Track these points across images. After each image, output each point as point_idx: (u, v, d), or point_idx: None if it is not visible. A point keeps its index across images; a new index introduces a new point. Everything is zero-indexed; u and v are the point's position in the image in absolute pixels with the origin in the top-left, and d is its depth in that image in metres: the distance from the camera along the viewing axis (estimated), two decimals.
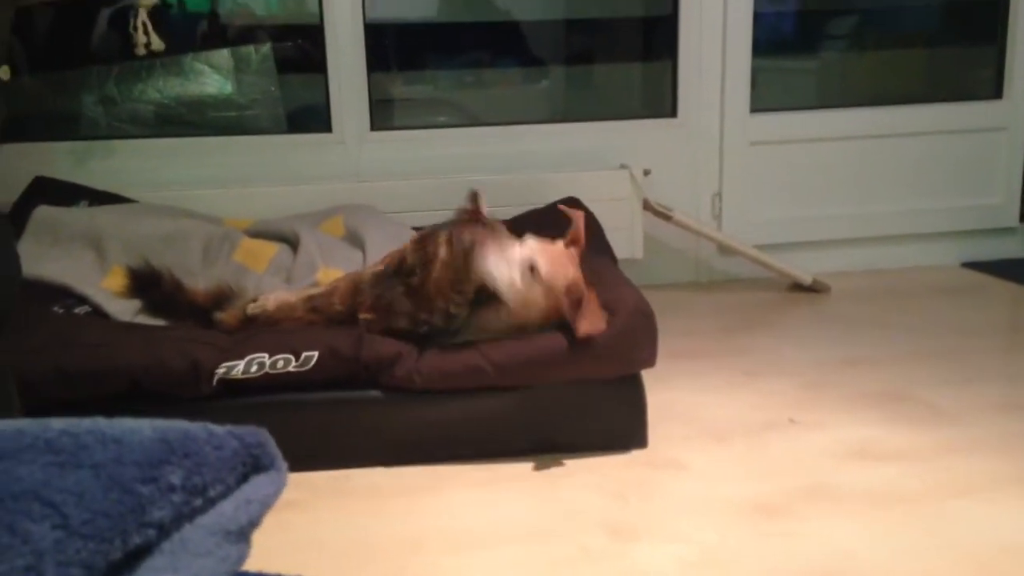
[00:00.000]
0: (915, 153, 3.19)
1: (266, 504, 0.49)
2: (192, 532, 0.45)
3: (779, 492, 1.67)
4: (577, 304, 1.76)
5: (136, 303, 2.10)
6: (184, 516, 0.46)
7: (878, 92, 3.47)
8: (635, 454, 1.85)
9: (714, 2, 3.00)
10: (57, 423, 0.47)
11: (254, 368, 1.73)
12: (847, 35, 3.57)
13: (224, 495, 0.48)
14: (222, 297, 2.09)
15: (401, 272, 1.86)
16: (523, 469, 1.78)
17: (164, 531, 0.45)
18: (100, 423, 0.48)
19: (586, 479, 1.74)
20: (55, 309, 2.06)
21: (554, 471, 1.78)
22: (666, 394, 2.08)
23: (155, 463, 0.45)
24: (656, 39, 3.34)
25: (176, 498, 0.45)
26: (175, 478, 0.46)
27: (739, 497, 1.66)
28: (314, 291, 2.05)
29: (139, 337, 1.86)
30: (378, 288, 1.88)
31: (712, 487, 1.70)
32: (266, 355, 1.75)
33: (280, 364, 1.74)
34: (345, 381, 1.78)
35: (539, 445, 1.83)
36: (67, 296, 2.13)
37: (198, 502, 0.47)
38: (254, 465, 0.50)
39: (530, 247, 1.80)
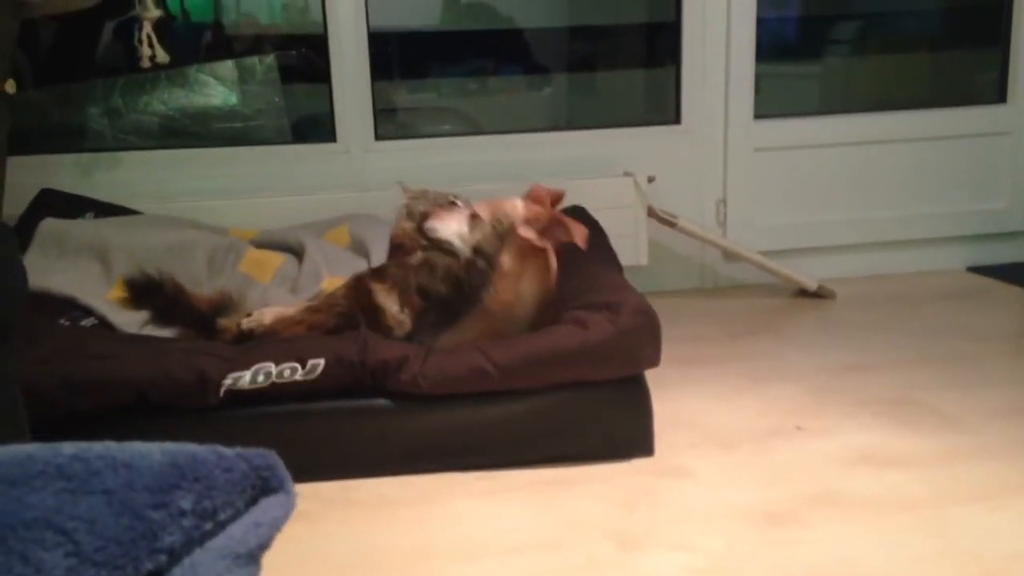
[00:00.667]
0: (919, 158, 3.19)
1: (275, 527, 0.49)
2: (202, 556, 0.46)
3: (786, 499, 1.67)
4: (549, 229, 1.85)
5: (143, 315, 2.10)
6: (194, 540, 0.46)
7: (882, 97, 3.47)
8: (641, 462, 1.84)
9: (717, 8, 3.00)
10: (68, 448, 0.48)
11: (261, 378, 1.74)
12: (850, 40, 3.57)
13: (234, 518, 0.48)
14: (224, 305, 2.10)
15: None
16: (529, 477, 1.78)
17: (175, 556, 0.45)
18: (111, 447, 0.48)
19: (592, 487, 1.74)
20: (61, 321, 2.06)
21: (560, 479, 1.78)
22: (671, 401, 2.09)
23: (166, 488, 0.46)
24: (659, 45, 3.34)
25: (187, 523, 0.45)
26: (185, 503, 0.46)
27: (746, 504, 1.65)
28: (313, 303, 2.06)
29: (145, 349, 1.86)
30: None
31: (719, 495, 1.70)
32: (272, 364, 1.75)
33: (287, 373, 1.74)
34: (351, 388, 1.78)
35: (545, 453, 1.83)
36: (73, 308, 2.14)
37: (208, 526, 0.47)
38: (263, 487, 0.51)
39: (469, 202, 1.99)
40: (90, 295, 2.17)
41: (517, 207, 1.93)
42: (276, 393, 1.75)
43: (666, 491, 1.73)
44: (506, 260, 1.89)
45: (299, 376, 1.75)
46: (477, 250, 1.90)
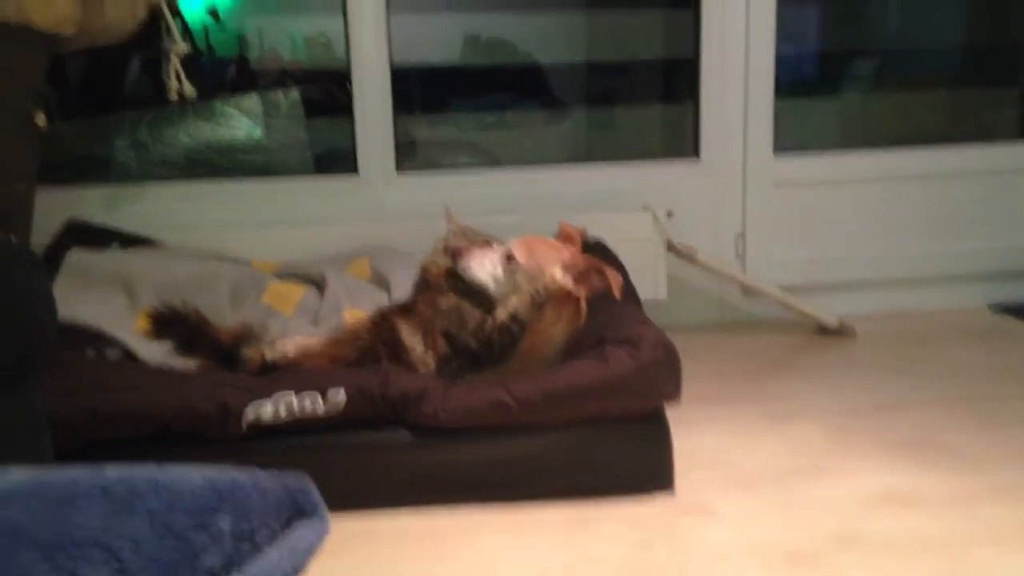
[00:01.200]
0: (940, 195, 3.19)
1: (309, 552, 0.50)
2: None
3: (808, 539, 1.66)
4: (584, 275, 1.84)
5: (167, 345, 2.12)
6: (233, 563, 0.47)
7: (901, 134, 3.48)
8: (662, 499, 1.84)
9: (736, 44, 3.02)
10: (111, 471, 0.49)
11: (283, 411, 1.75)
12: (869, 76, 3.59)
13: (270, 540, 0.49)
14: (246, 336, 2.11)
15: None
16: (550, 513, 1.78)
17: None
18: (153, 471, 0.49)
19: (613, 525, 1.73)
20: (87, 352, 2.09)
21: (581, 516, 1.77)
22: (692, 438, 2.07)
23: (206, 510, 0.47)
24: (677, 81, 3.37)
25: (226, 544, 0.46)
26: (225, 524, 0.47)
27: (768, 544, 1.64)
28: (336, 335, 2.08)
29: (168, 381, 1.88)
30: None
31: (741, 534, 1.69)
32: (293, 395, 1.76)
33: (308, 404, 1.75)
34: (372, 420, 1.79)
35: (565, 488, 1.83)
36: (99, 339, 2.16)
37: (246, 547, 0.48)
38: (298, 510, 0.52)
39: (507, 243, 1.94)
40: (116, 326, 2.19)
41: (556, 271, 1.89)
42: (297, 426, 1.76)
43: (687, 529, 1.72)
44: (542, 315, 1.88)
45: (320, 407, 1.76)
46: (514, 317, 1.86)
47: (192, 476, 0.49)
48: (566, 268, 1.88)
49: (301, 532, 0.51)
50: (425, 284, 1.98)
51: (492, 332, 1.86)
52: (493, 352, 1.87)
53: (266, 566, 0.48)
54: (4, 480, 0.48)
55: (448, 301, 1.92)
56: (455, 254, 1.95)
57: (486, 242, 2.02)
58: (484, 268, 1.91)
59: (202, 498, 0.48)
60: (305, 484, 0.53)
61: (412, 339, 1.92)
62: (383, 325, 1.97)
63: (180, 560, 0.44)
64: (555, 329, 1.91)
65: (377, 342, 1.95)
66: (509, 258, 1.91)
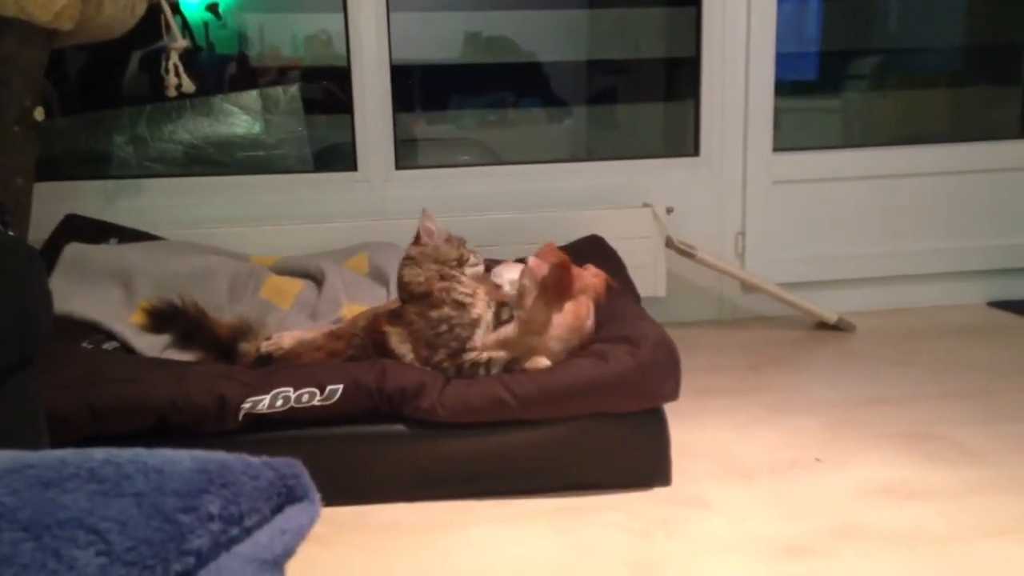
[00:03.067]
0: (940, 193, 3.19)
1: (300, 534, 0.50)
2: (229, 561, 0.46)
3: (806, 531, 1.66)
4: (561, 279, 1.88)
5: (164, 339, 2.12)
6: (222, 545, 0.47)
7: (901, 132, 3.47)
8: (659, 491, 1.84)
9: (737, 42, 3.02)
10: (99, 453, 0.48)
11: (279, 403, 1.75)
12: (870, 75, 3.58)
13: (260, 524, 0.49)
14: (244, 331, 2.11)
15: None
16: (547, 505, 1.78)
17: (202, 560, 0.45)
18: (141, 453, 0.49)
19: (610, 516, 1.73)
20: (84, 345, 2.09)
21: (578, 508, 1.77)
22: (689, 431, 2.08)
23: (195, 493, 0.46)
24: (678, 79, 3.37)
25: (214, 527, 0.46)
26: (214, 507, 0.47)
27: (765, 536, 1.64)
28: (333, 327, 2.08)
29: (166, 373, 1.88)
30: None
31: (738, 526, 1.69)
32: (291, 389, 1.76)
33: (305, 398, 1.75)
34: (368, 414, 1.79)
35: (562, 481, 1.83)
36: (96, 332, 2.16)
37: (235, 531, 0.47)
38: (288, 496, 0.51)
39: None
40: (113, 319, 2.19)
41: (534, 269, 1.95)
42: (294, 417, 1.76)
43: (684, 521, 1.72)
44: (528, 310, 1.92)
45: (317, 401, 1.76)
46: (487, 363, 1.89)
47: (181, 459, 0.49)
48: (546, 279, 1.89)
49: (291, 515, 0.51)
50: (411, 297, 1.96)
51: (464, 364, 1.89)
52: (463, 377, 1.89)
53: (256, 547, 0.47)
54: None
55: (439, 313, 1.92)
56: (457, 262, 1.98)
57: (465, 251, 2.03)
58: (512, 276, 1.98)
59: (191, 481, 0.47)
60: (296, 469, 0.53)
61: (401, 347, 1.92)
62: (373, 329, 1.97)
63: (167, 541, 0.44)
64: (542, 315, 1.91)
65: (369, 343, 1.96)
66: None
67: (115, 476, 0.46)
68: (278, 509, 0.51)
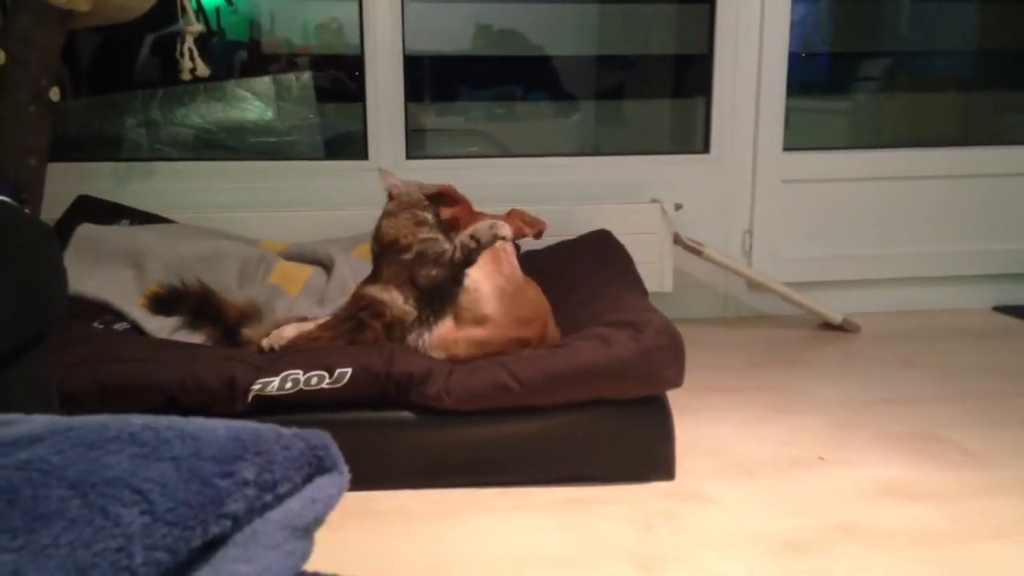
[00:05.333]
0: (947, 195, 3.20)
1: (329, 504, 0.51)
2: (262, 526, 0.47)
3: (807, 528, 1.67)
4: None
5: (174, 320, 2.14)
6: (255, 510, 0.48)
7: (911, 135, 3.48)
8: (662, 485, 1.85)
9: (750, 40, 3.03)
10: (138, 419, 0.50)
11: (288, 385, 1.76)
12: (881, 77, 3.59)
13: (291, 493, 0.50)
14: (251, 314, 2.12)
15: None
16: (550, 496, 1.79)
17: (238, 523, 0.47)
18: (177, 421, 0.50)
19: (613, 509, 1.74)
20: (95, 325, 2.10)
21: (581, 499, 1.78)
22: (693, 427, 2.09)
23: (230, 459, 0.48)
24: (688, 76, 3.37)
25: (249, 492, 0.47)
26: (248, 473, 0.48)
27: (767, 532, 1.65)
28: (325, 320, 2.09)
29: (176, 354, 1.89)
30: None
31: (740, 521, 1.70)
32: (300, 372, 1.78)
33: (314, 381, 1.77)
34: (376, 399, 1.80)
35: (566, 472, 1.84)
36: (107, 312, 2.17)
37: (268, 498, 0.49)
38: (318, 466, 0.53)
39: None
40: (123, 300, 2.21)
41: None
42: (303, 400, 1.77)
43: (687, 515, 1.73)
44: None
45: (326, 384, 1.77)
46: (472, 235, 1.96)
47: (216, 427, 0.50)
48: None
49: (321, 485, 0.52)
50: (381, 248, 2.03)
51: (454, 252, 1.94)
52: (456, 275, 1.95)
53: (288, 515, 0.49)
54: (29, 424, 0.49)
55: (410, 253, 1.98)
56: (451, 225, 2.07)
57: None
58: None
59: (227, 447, 0.48)
60: (325, 441, 0.54)
61: (388, 295, 1.95)
62: (357, 296, 2.01)
63: (206, 504, 0.45)
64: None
65: (357, 311, 1.97)
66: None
67: (154, 440, 0.47)
68: (308, 479, 0.52)
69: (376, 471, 1.82)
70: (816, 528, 1.67)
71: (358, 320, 1.97)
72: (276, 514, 0.49)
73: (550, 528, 1.68)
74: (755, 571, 1.52)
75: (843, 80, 3.57)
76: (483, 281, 1.96)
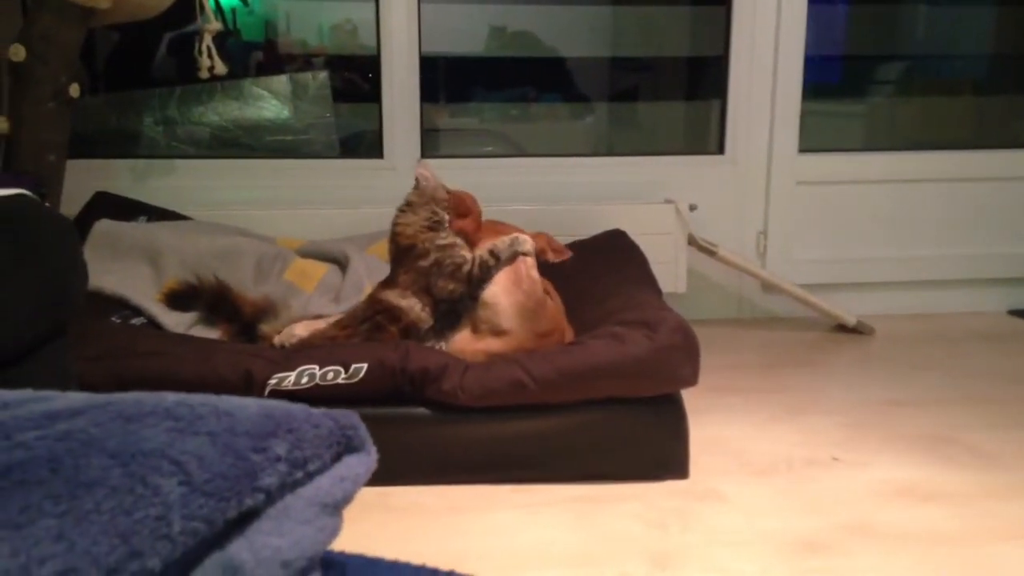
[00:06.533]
0: (962, 199, 3.19)
1: (357, 483, 0.52)
2: (294, 501, 0.48)
3: (821, 528, 1.67)
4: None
5: (191, 316, 2.15)
6: (287, 486, 0.49)
7: (926, 138, 3.47)
8: (676, 483, 1.85)
9: (766, 42, 3.03)
10: (171, 396, 0.51)
11: (304, 380, 1.77)
12: (896, 80, 3.58)
13: (321, 470, 0.51)
14: (267, 310, 2.14)
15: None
16: (565, 493, 1.80)
17: (270, 498, 0.48)
18: (210, 398, 0.51)
19: (627, 506, 1.75)
20: (113, 320, 2.12)
21: (595, 496, 1.79)
22: (707, 427, 2.10)
23: (263, 435, 0.48)
24: (703, 79, 3.38)
25: (281, 468, 0.48)
26: (281, 450, 0.49)
27: (781, 531, 1.66)
28: (340, 319, 2.10)
29: (193, 348, 1.91)
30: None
31: (753, 520, 1.70)
32: (316, 367, 1.79)
33: (330, 376, 1.78)
34: (391, 396, 1.81)
35: (581, 470, 1.85)
36: (124, 307, 2.19)
37: (299, 474, 0.49)
38: (347, 445, 0.53)
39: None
40: (140, 295, 2.22)
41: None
42: (319, 395, 1.78)
43: (700, 514, 1.73)
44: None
45: (342, 379, 1.79)
46: (491, 251, 1.99)
47: (248, 404, 0.51)
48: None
49: (350, 464, 0.53)
50: (398, 251, 2.02)
51: (472, 267, 1.96)
52: (472, 290, 1.97)
53: (318, 492, 0.49)
54: (67, 399, 0.50)
55: (428, 260, 1.98)
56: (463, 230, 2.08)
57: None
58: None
59: (259, 424, 0.49)
60: (354, 420, 0.55)
61: (405, 302, 1.96)
62: (374, 299, 2.01)
63: (241, 477, 0.46)
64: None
65: (374, 314, 1.98)
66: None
67: (189, 415, 0.48)
68: (337, 458, 0.53)
69: (391, 467, 1.80)
70: (829, 528, 1.67)
71: (375, 323, 1.97)
72: (307, 491, 0.49)
73: (564, 525, 1.68)
74: (768, 570, 1.53)
75: (857, 83, 3.57)
76: (501, 296, 1.96)
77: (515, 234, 2.02)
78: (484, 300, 1.96)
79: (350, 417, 0.55)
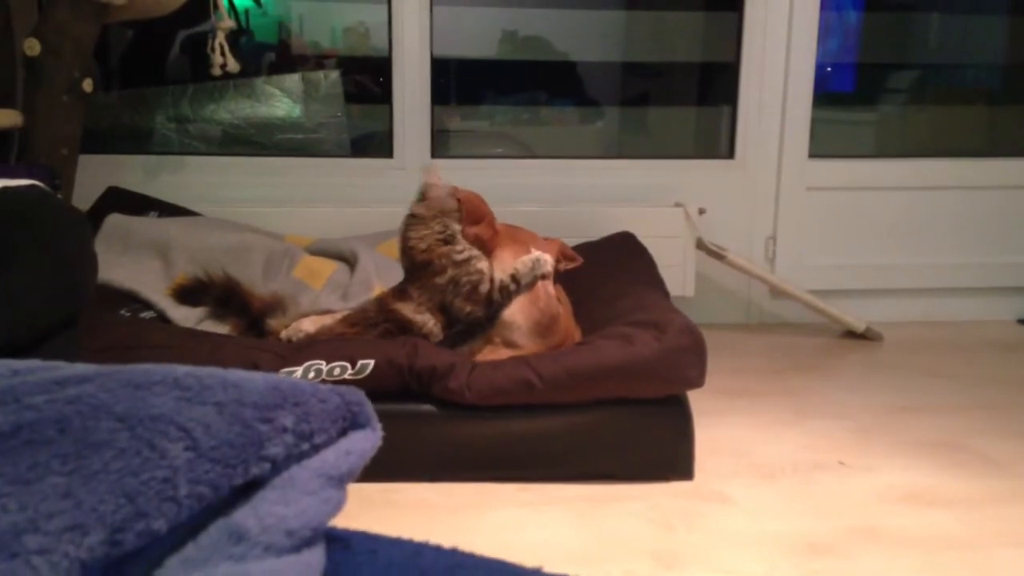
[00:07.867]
0: (973, 207, 3.18)
1: (363, 457, 0.52)
2: (299, 472, 0.48)
3: (827, 531, 1.66)
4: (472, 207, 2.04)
5: (200, 311, 2.16)
6: (293, 457, 0.49)
7: (938, 146, 3.46)
8: (681, 484, 1.85)
9: (777, 49, 3.03)
10: (180, 367, 0.51)
11: (311, 375, 1.77)
12: (907, 89, 3.58)
13: (327, 444, 0.51)
14: (275, 307, 2.14)
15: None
16: (570, 492, 1.80)
17: (276, 468, 0.48)
18: (218, 370, 0.51)
19: (632, 505, 1.75)
20: (122, 313, 2.13)
21: (600, 496, 1.79)
22: (713, 429, 2.09)
23: (270, 406, 0.49)
24: (714, 84, 3.38)
25: (288, 439, 0.48)
26: (287, 421, 0.49)
27: (786, 533, 1.65)
28: (348, 315, 2.10)
29: (201, 342, 1.91)
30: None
31: (759, 522, 1.70)
32: (323, 362, 1.79)
33: (337, 371, 1.78)
34: (398, 392, 1.81)
35: (586, 469, 1.85)
36: (133, 301, 2.20)
37: (305, 446, 0.50)
38: (353, 421, 0.54)
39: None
40: (150, 290, 2.23)
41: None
42: None
43: (706, 515, 1.73)
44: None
45: (348, 375, 1.79)
46: (513, 276, 1.96)
47: (255, 377, 0.52)
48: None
49: (355, 440, 0.53)
50: (413, 265, 1.99)
51: (492, 290, 1.93)
52: (491, 311, 1.94)
53: (324, 464, 0.50)
54: (75, 368, 0.50)
55: (444, 277, 1.95)
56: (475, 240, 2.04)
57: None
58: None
59: (266, 396, 0.50)
60: (360, 397, 0.55)
61: (419, 317, 1.95)
62: (387, 308, 2.00)
63: (247, 445, 0.46)
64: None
65: (385, 321, 1.98)
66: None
67: (197, 386, 0.49)
68: (343, 432, 0.53)
69: (396, 463, 1.83)
70: (835, 531, 1.66)
71: (385, 330, 1.97)
72: (312, 463, 0.50)
73: (569, 524, 1.68)
74: (773, 571, 1.52)
75: (870, 91, 3.57)
76: (518, 315, 1.95)
77: (536, 254, 1.99)
78: (502, 319, 1.95)
79: (356, 394, 0.55)
